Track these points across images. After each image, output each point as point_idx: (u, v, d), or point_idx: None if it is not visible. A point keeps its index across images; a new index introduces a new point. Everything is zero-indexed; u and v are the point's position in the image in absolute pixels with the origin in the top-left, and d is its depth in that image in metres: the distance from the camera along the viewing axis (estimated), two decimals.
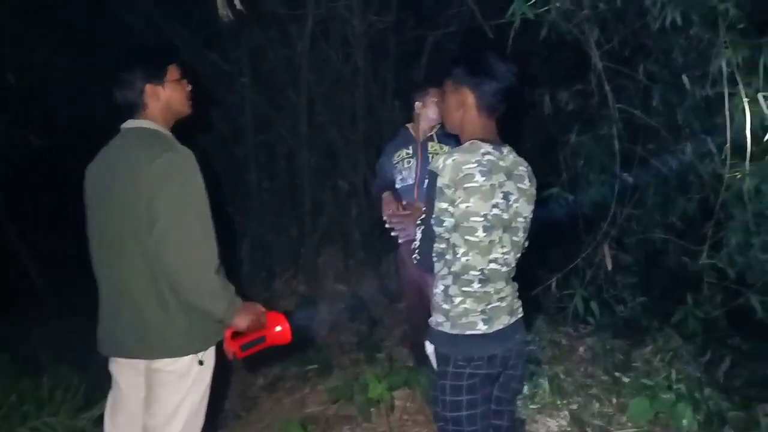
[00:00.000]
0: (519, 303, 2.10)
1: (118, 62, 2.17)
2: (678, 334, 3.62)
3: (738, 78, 3.23)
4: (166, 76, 2.14)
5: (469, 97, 1.97)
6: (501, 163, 1.94)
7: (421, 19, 4.89)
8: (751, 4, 3.33)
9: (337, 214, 4.98)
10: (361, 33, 4.45)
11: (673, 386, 3.07)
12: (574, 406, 3.16)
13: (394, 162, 3.43)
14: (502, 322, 1.98)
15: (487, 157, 1.91)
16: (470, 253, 1.92)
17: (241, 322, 2.11)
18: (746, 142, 3.17)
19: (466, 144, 1.96)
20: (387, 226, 2.81)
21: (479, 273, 1.93)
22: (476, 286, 1.94)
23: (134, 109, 2.13)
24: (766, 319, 3.35)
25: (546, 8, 3.38)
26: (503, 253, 1.95)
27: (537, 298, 4.47)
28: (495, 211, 1.90)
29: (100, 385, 2.41)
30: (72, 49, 4.82)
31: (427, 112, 3.40)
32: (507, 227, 1.95)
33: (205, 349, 2.15)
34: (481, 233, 1.90)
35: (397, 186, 3.35)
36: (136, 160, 2.01)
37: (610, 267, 4.07)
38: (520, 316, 2.08)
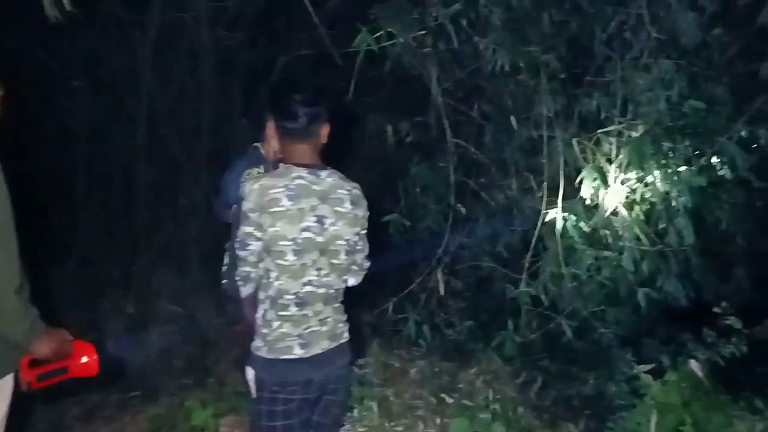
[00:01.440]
0: (344, 327, 2.09)
1: None
2: (499, 356, 3.85)
3: (555, 123, 3.58)
4: None
5: (276, 129, 2.02)
6: (315, 186, 1.95)
7: (273, 40, 4.88)
8: (571, 58, 3.72)
9: (176, 232, 4.77)
10: (210, 47, 4.34)
11: (491, 406, 3.26)
12: (400, 428, 3.24)
13: (242, 181, 3.36)
14: (322, 346, 1.99)
15: (298, 181, 1.93)
16: (282, 277, 1.93)
17: (42, 349, 1.90)
18: (560, 181, 3.51)
19: (281, 168, 1.98)
20: None
21: (294, 296, 1.94)
22: (293, 309, 1.95)
23: None
24: (574, 343, 3.69)
25: (391, 42, 3.53)
26: (319, 276, 1.96)
27: (374, 321, 4.58)
28: (305, 234, 1.92)
29: None
30: None
31: None
32: (324, 250, 1.96)
33: (1, 376, 1.94)
34: (291, 257, 1.91)
35: None
36: None
37: (442, 292, 4.28)
38: (343, 341, 2.08)
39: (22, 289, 1.85)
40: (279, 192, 1.90)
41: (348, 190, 2.02)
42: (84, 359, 2.00)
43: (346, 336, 2.10)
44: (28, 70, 4.32)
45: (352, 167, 5.27)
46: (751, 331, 3.32)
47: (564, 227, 3.42)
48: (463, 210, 4.24)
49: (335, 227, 1.97)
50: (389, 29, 3.46)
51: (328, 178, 2.00)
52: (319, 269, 1.96)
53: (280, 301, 1.95)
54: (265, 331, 1.97)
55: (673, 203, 3.25)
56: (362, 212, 2.07)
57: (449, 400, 3.47)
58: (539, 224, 3.54)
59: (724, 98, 3.24)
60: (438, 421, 3.31)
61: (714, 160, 3.24)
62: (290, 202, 1.90)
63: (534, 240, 3.60)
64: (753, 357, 3.32)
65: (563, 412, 3.47)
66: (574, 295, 3.55)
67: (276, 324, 1.95)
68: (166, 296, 4.63)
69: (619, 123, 3.37)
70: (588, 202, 3.46)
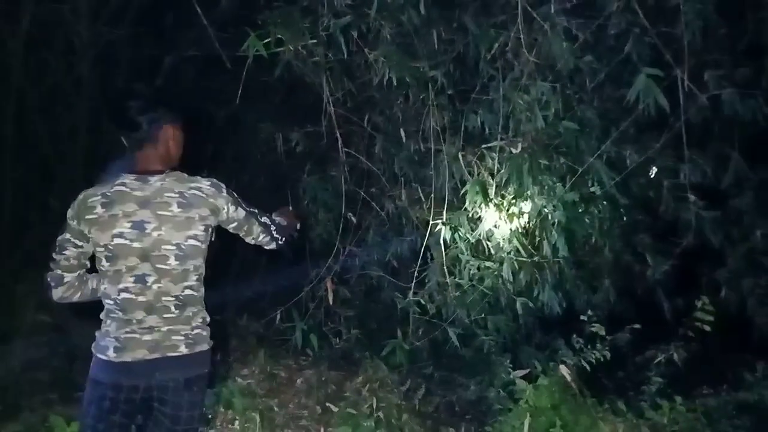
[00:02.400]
0: (182, 340, 1.99)
1: None
2: (385, 364, 3.90)
3: (442, 137, 3.69)
4: None
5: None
6: (136, 192, 1.95)
7: (159, 38, 4.68)
8: (457, 75, 3.86)
9: (45, 236, 4.43)
10: (88, 42, 4.09)
11: (375, 414, 3.29)
12: None
13: None
14: (137, 355, 1.95)
15: (117, 188, 1.95)
16: (104, 282, 1.98)
17: None
18: (446, 194, 3.63)
19: (113, 178, 2.01)
20: None
21: (113, 302, 1.96)
22: (118, 314, 1.97)
23: None
24: (458, 350, 3.81)
25: (281, 49, 3.49)
26: (139, 283, 1.94)
27: (261, 330, 4.50)
28: (118, 240, 1.93)
29: None
30: None
31: None
32: (146, 256, 1.94)
33: None
34: (105, 263, 1.95)
35: None
36: None
37: (331, 301, 4.28)
38: (177, 354, 1.98)
39: None
40: (95, 200, 1.94)
41: (178, 193, 1.96)
42: None
43: (183, 350, 1.98)
44: None
45: (241, 175, 5.17)
46: (614, 337, 3.59)
47: (449, 238, 3.53)
48: (354, 219, 4.27)
49: (159, 232, 1.94)
50: (279, 36, 3.43)
51: (158, 182, 1.97)
52: (139, 275, 1.94)
53: (106, 303, 2.00)
54: (99, 328, 2.03)
55: (549, 217, 3.44)
56: (205, 211, 1.98)
57: (334, 409, 3.48)
58: (426, 235, 3.63)
59: (594, 120, 3.48)
60: (322, 430, 3.31)
61: (585, 177, 3.46)
62: (102, 209, 1.93)
63: (422, 250, 3.68)
64: (615, 362, 3.59)
65: (446, 418, 3.58)
66: (458, 304, 3.67)
67: (106, 322, 2.00)
68: (33, 306, 4.29)
69: (501, 139, 3.52)
70: (471, 214, 3.59)
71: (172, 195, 1.96)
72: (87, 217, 1.93)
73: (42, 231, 4.43)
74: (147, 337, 1.95)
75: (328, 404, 3.54)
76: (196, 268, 2.00)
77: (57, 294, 2.05)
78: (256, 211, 2.16)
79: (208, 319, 2.08)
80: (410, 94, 4.01)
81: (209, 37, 4.13)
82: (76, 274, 2.03)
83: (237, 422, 3.22)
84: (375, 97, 4.38)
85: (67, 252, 1.99)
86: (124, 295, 1.94)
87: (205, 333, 2.05)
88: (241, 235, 2.16)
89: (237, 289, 4.66)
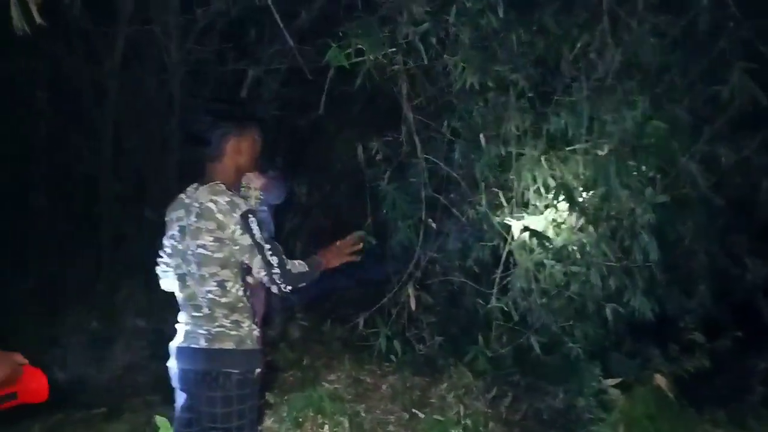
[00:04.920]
0: (204, 335, 2.10)
1: None
2: (470, 371, 3.87)
3: (523, 141, 3.64)
4: None
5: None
6: (186, 200, 2.18)
7: (243, 53, 4.86)
8: (539, 77, 3.80)
9: (142, 246, 4.68)
10: (179, 60, 4.30)
11: (462, 421, 3.27)
12: None
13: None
14: (176, 342, 2.22)
15: (180, 195, 2.22)
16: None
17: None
18: (529, 198, 3.57)
19: None
20: None
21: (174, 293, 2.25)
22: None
23: None
24: (541, 357, 3.74)
25: (362, 59, 3.55)
26: (178, 281, 2.19)
27: (345, 336, 4.57)
28: (172, 242, 2.21)
29: None
30: None
31: None
32: (184, 258, 2.16)
33: None
34: (167, 259, 2.26)
35: None
36: None
37: (414, 307, 4.29)
38: (197, 346, 2.12)
39: None
40: (170, 206, 2.25)
41: (199, 204, 2.10)
42: (33, 385, 1.95)
43: (202, 343, 2.11)
44: None
45: (323, 183, 5.29)
46: (713, 345, 3.42)
47: (533, 243, 3.48)
48: (434, 225, 4.27)
49: (187, 238, 2.15)
50: (359, 46, 3.49)
51: (198, 192, 2.15)
52: (180, 275, 2.18)
53: None
54: None
55: (638, 220, 3.32)
56: (212, 224, 2.06)
57: (421, 415, 3.48)
58: (509, 240, 3.59)
59: (685, 119, 3.34)
60: None
61: (676, 178, 3.33)
62: (168, 214, 2.24)
63: (504, 255, 3.64)
64: (715, 370, 3.42)
65: (534, 426, 3.51)
66: (544, 310, 3.60)
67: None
68: (133, 311, 4.54)
69: (586, 141, 3.44)
70: (555, 218, 3.52)
71: (195, 205, 2.12)
72: (165, 219, 2.25)
73: (138, 241, 4.69)
74: (184, 328, 2.19)
75: (414, 410, 3.55)
76: (212, 275, 2.10)
77: (162, 285, 2.33)
78: (269, 247, 2.09)
79: (246, 323, 2.16)
80: (490, 98, 3.98)
81: (291, 50, 4.27)
82: (170, 270, 2.26)
83: (326, 426, 3.28)
84: (454, 102, 4.37)
85: (163, 249, 2.28)
86: (174, 290, 2.23)
87: (233, 333, 2.12)
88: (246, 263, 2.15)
89: (320, 296, 4.75)
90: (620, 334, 3.76)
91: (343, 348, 4.27)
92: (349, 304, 4.90)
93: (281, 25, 3.80)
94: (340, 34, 3.45)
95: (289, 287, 2.12)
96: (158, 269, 2.34)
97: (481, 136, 4.05)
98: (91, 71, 4.39)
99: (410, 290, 4.26)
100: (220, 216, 2.06)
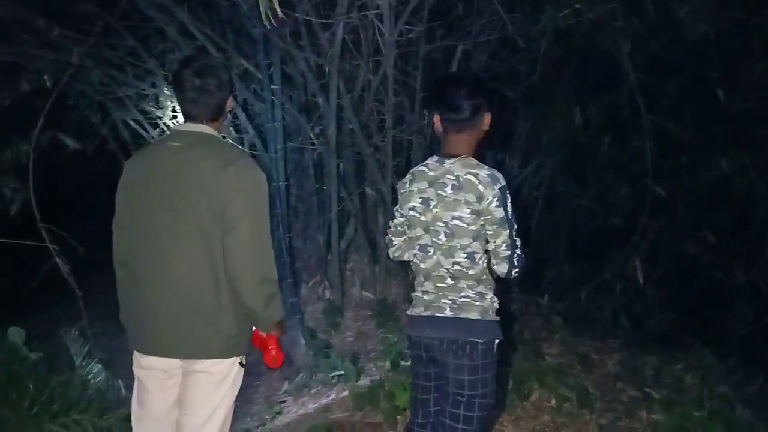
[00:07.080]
0: (449, 304, 2.18)
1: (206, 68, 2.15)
2: (709, 350, 3.56)
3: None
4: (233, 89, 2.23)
5: (436, 120, 2.24)
6: (430, 172, 2.21)
7: (452, 28, 4.88)
8: None
9: (364, 222, 4.98)
10: (392, 42, 4.45)
11: (705, 404, 3.02)
12: (603, 421, 3.12)
13: None
14: (417, 311, 2.26)
15: (420, 168, 2.27)
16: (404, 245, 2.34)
17: (280, 329, 2.19)
18: None
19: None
20: None
21: (411, 263, 2.31)
22: (416, 275, 2.29)
23: (202, 115, 2.12)
24: None
25: (578, 19, 3.39)
26: (420, 251, 2.22)
27: (564, 310, 4.44)
28: (412, 213, 2.23)
29: (130, 384, 2.43)
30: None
31: None
32: (427, 229, 2.20)
33: (246, 352, 2.19)
34: (405, 228, 2.29)
35: None
36: (209, 165, 2.03)
37: (641, 281, 4.04)
38: (442, 315, 2.19)
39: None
40: (406, 178, 2.29)
41: (456, 176, 2.14)
42: (274, 351, 2.20)
43: (448, 313, 2.18)
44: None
45: (536, 154, 5.15)
46: None
47: None
48: (663, 192, 3.95)
49: (436, 209, 2.17)
50: (577, 6, 3.33)
51: (449, 165, 2.17)
52: (422, 245, 2.21)
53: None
54: None
55: None
56: (471, 196, 2.11)
57: (656, 395, 3.27)
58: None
59: None
60: (644, 415, 3.14)
61: None
62: (407, 186, 2.26)
63: (753, 226, 3.26)
64: None
65: None
66: None
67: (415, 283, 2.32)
68: (359, 283, 4.87)
69: None
70: None
71: (451, 177, 2.16)
72: (401, 191, 2.30)
73: (361, 217, 4.99)
74: (425, 297, 2.24)
75: (647, 389, 3.34)
76: (463, 246, 2.14)
77: (391, 253, 2.43)
78: (517, 228, 2.16)
79: (489, 295, 2.20)
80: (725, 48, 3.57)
81: (500, 20, 4.20)
82: (402, 239, 2.34)
83: (553, 400, 3.23)
84: (681, 57, 3.99)
85: (395, 220, 2.35)
86: (414, 260, 2.28)
87: (477, 303, 2.17)
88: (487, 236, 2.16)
89: (536, 270, 4.66)
90: None
91: (564, 323, 4.14)
92: (565, 278, 4.74)
93: None
94: None
95: (517, 271, 2.18)
96: (389, 238, 2.40)
97: (719, 90, 3.66)
98: (315, 60, 4.72)
99: (637, 263, 4.02)
100: (480, 188, 2.11)
